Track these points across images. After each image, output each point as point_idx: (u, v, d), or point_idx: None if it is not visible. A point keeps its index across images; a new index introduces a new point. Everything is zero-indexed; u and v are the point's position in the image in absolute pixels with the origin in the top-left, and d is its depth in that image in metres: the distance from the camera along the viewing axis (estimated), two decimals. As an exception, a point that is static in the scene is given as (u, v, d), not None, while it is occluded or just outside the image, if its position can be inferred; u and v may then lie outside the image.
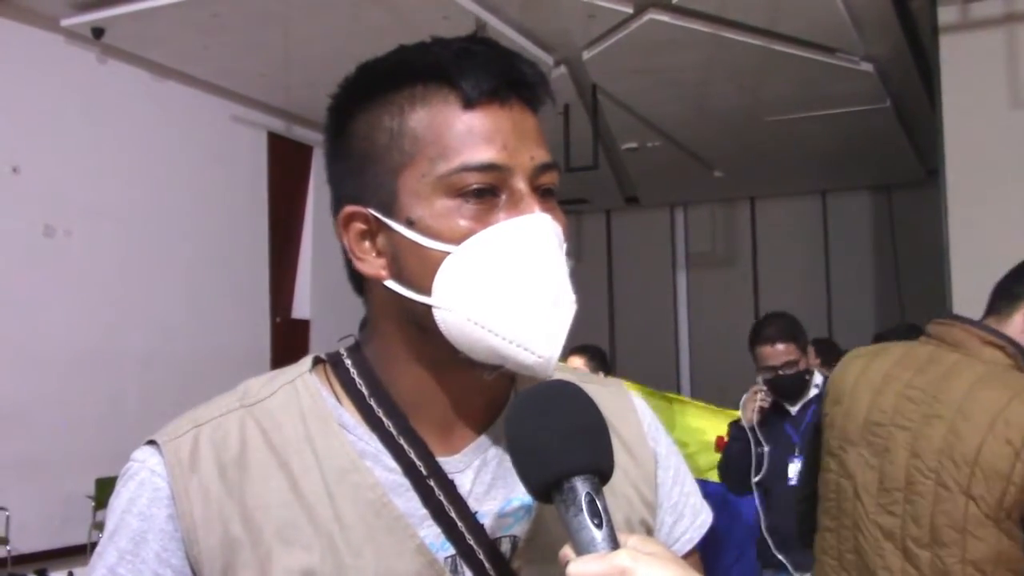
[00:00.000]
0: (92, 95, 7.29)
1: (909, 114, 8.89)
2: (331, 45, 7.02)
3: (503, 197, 0.77)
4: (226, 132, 8.46)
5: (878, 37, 7.18)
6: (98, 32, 6.95)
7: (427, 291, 0.77)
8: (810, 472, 1.89)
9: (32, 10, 6.76)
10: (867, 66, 7.62)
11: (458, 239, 0.76)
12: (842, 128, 9.09)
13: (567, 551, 0.68)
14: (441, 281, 0.77)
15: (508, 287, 0.76)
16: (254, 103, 8.65)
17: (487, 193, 0.77)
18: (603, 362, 4.42)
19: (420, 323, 0.79)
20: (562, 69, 7.78)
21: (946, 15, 6.29)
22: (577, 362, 4.10)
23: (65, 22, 6.85)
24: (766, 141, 9.58)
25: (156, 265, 7.71)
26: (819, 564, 1.81)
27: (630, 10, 6.71)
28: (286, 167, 9.05)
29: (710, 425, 4.96)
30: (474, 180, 0.76)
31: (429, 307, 0.78)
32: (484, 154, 0.76)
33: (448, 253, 0.76)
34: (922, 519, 1.61)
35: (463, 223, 0.76)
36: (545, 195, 0.80)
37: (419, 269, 0.78)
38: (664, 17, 6.72)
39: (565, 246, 0.81)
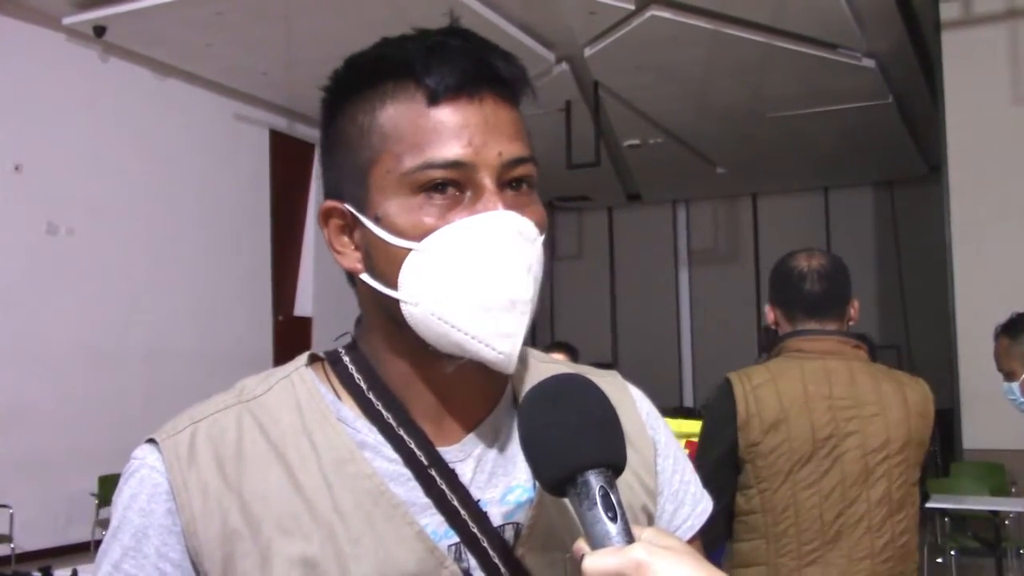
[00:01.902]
0: (94, 93, 7.29)
1: (911, 110, 8.89)
2: (333, 42, 7.01)
3: (468, 194, 0.77)
4: (228, 130, 8.47)
5: (880, 33, 7.18)
6: (100, 30, 6.96)
7: (394, 286, 0.79)
8: (729, 492, 2.09)
9: (34, 8, 6.76)
10: (869, 62, 7.62)
11: (420, 236, 0.77)
12: (844, 124, 9.09)
13: (582, 544, 0.68)
14: (405, 276, 0.78)
15: (466, 284, 0.76)
16: (256, 101, 8.66)
17: (451, 189, 0.77)
18: (575, 359, 4.43)
19: (393, 316, 0.80)
20: (564, 66, 7.79)
21: (948, 11, 6.29)
22: (558, 358, 4.08)
23: (67, 20, 6.86)
24: (768, 137, 9.57)
25: (158, 263, 7.72)
26: (775, 568, 2.05)
27: (632, 7, 6.70)
28: (288, 164, 9.06)
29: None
30: (437, 176, 0.76)
31: (398, 301, 0.79)
32: (448, 151, 0.76)
33: (411, 250, 0.77)
34: (883, 498, 2.02)
35: (426, 220, 0.76)
36: (519, 187, 0.80)
37: (386, 264, 0.79)
38: (666, 14, 6.72)
39: (541, 238, 0.80)
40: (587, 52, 7.44)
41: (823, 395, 2.05)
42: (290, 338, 8.86)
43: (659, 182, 11.69)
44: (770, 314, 2.26)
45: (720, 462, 2.06)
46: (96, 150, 7.24)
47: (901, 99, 8.61)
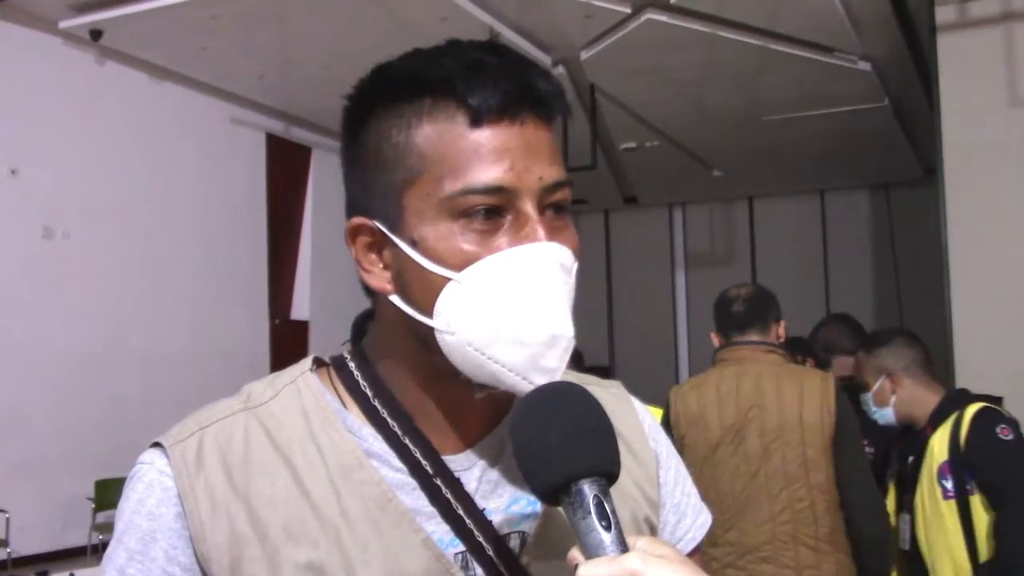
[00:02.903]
0: (90, 97, 7.29)
1: (907, 113, 8.90)
2: (330, 46, 7.02)
3: (508, 219, 0.76)
4: (225, 134, 8.46)
5: (876, 36, 7.19)
6: (96, 34, 6.95)
7: (429, 313, 0.77)
8: None
9: (30, 12, 6.76)
10: (865, 65, 7.63)
11: (460, 265, 0.75)
12: (840, 127, 9.10)
13: (576, 554, 0.67)
14: (442, 305, 0.76)
15: (507, 318, 0.75)
16: (253, 104, 8.65)
17: (492, 215, 0.75)
18: (579, 363, 4.36)
19: (424, 341, 0.78)
20: (560, 69, 7.79)
21: (944, 14, 6.30)
22: None
23: (63, 24, 6.85)
24: (764, 140, 9.58)
25: (155, 267, 7.71)
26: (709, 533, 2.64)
27: (628, 10, 6.71)
28: (285, 168, 9.05)
29: None
30: (478, 202, 0.75)
31: (432, 328, 0.77)
32: (490, 175, 0.75)
33: (450, 279, 0.75)
34: (778, 471, 2.55)
35: (467, 247, 0.75)
36: (556, 211, 0.79)
37: (421, 290, 0.77)
38: (662, 17, 6.72)
39: (576, 266, 0.80)
40: (583, 55, 7.44)
41: (731, 393, 2.65)
42: (287, 342, 8.84)
43: (655, 185, 11.69)
44: (715, 338, 2.86)
45: None
46: (92, 154, 7.23)
47: (897, 102, 8.62)
